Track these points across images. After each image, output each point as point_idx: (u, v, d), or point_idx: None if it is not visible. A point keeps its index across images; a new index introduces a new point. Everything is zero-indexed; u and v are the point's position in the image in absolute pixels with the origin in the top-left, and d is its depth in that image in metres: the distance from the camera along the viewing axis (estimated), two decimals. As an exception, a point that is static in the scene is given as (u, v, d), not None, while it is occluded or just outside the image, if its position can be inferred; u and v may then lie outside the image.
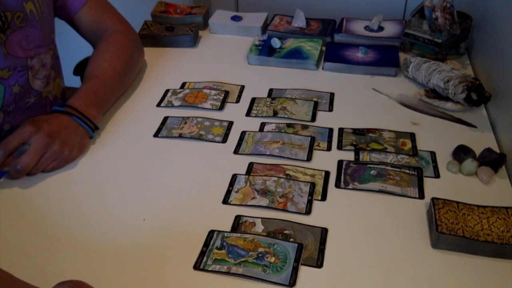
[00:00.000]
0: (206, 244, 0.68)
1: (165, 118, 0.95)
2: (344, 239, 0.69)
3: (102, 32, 1.02)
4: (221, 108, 0.98)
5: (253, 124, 0.93)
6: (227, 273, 0.63)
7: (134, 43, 1.06)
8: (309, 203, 0.74)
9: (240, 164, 0.83)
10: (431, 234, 0.68)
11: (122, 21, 1.06)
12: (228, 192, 0.77)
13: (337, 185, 0.78)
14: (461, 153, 0.82)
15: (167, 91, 1.03)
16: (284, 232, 0.70)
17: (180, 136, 0.90)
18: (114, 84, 0.96)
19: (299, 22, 1.24)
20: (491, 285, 0.62)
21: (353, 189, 0.77)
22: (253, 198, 0.75)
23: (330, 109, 0.98)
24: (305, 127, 0.91)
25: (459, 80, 0.93)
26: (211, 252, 0.66)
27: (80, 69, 1.20)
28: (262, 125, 0.92)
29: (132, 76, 1.05)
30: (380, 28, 1.21)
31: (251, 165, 0.83)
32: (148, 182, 0.80)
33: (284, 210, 0.73)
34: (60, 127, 0.82)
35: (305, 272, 0.64)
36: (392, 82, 1.06)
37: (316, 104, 0.97)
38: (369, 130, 0.90)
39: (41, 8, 0.89)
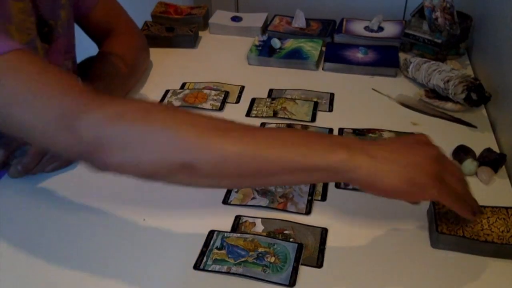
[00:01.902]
0: (206, 244, 0.68)
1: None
2: (344, 239, 0.69)
3: (109, 33, 1.03)
4: (221, 108, 0.98)
5: (253, 124, 0.93)
6: (227, 273, 0.63)
7: (140, 45, 1.06)
8: (309, 203, 0.74)
9: (240, 164, 0.83)
10: (431, 234, 0.68)
11: (129, 23, 1.07)
12: (228, 192, 0.77)
13: (337, 185, 0.78)
14: (461, 153, 0.82)
15: (167, 91, 1.03)
16: (284, 232, 0.70)
17: (180, 136, 0.90)
18: (118, 86, 0.96)
19: (299, 22, 1.24)
20: (491, 285, 0.62)
21: (353, 189, 0.77)
22: (253, 198, 0.75)
23: (330, 109, 0.98)
24: (305, 127, 0.91)
25: (459, 80, 0.93)
26: (211, 252, 0.66)
27: (80, 68, 1.20)
28: (262, 125, 0.92)
29: (136, 78, 1.05)
30: (380, 29, 1.21)
31: (251, 165, 0.82)
32: (148, 182, 0.79)
33: (284, 210, 0.73)
34: None
35: (305, 272, 0.64)
36: (392, 82, 1.06)
37: (316, 104, 0.97)
38: (369, 130, 0.90)
39: (69, 14, 0.91)
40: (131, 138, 0.56)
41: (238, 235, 0.69)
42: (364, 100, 1.00)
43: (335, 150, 0.56)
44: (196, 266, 0.65)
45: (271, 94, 1.03)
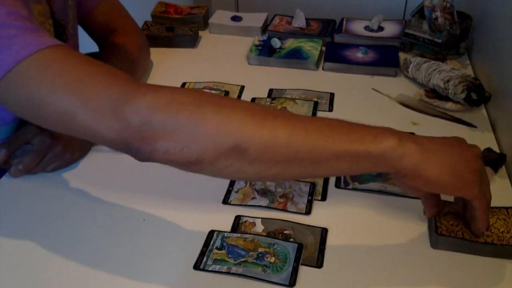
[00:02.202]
0: (206, 244, 0.68)
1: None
2: (344, 239, 0.69)
3: (110, 33, 1.03)
4: (221, 108, 0.97)
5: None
6: (227, 273, 0.64)
7: (141, 45, 1.06)
8: (309, 203, 0.74)
9: (240, 164, 0.83)
10: (431, 236, 0.68)
11: (131, 23, 1.07)
12: (228, 192, 0.77)
13: (337, 185, 0.78)
14: (461, 153, 0.82)
15: (167, 91, 1.03)
16: (284, 232, 0.70)
17: (180, 136, 0.90)
18: None
19: (299, 22, 1.24)
20: (491, 285, 0.62)
21: (353, 189, 0.77)
22: (253, 198, 0.76)
23: (330, 109, 0.98)
24: (305, 127, 0.91)
25: (459, 80, 0.93)
26: (211, 252, 0.66)
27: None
28: (262, 125, 0.92)
29: (138, 77, 1.05)
30: (380, 28, 1.21)
31: (251, 165, 0.82)
32: (148, 182, 0.80)
33: (284, 210, 0.73)
34: None
35: (305, 272, 0.64)
36: (392, 82, 1.06)
37: (316, 104, 0.97)
38: (369, 130, 0.90)
39: (75, 14, 0.92)
40: (180, 123, 0.56)
41: (238, 235, 0.69)
42: (364, 100, 1.00)
43: (385, 137, 0.56)
44: (196, 266, 0.65)
45: (271, 94, 1.03)
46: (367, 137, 0.57)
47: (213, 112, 0.56)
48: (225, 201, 0.75)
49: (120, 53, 0.99)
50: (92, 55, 1.02)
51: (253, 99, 1.00)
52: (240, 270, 0.64)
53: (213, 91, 1.01)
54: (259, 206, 0.74)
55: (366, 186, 0.77)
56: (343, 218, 0.72)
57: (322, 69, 1.11)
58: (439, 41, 1.08)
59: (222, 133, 0.56)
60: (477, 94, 0.91)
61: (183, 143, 0.56)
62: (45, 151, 0.79)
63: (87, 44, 1.06)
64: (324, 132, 0.57)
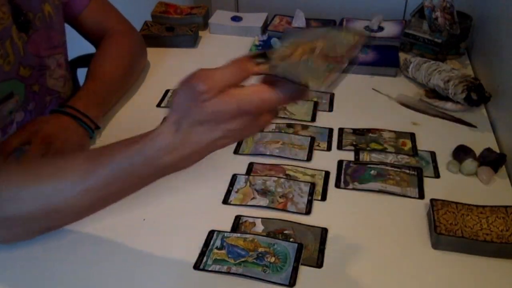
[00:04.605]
0: (206, 244, 0.68)
1: (165, 119, 0.94)
2: (344, 239, 0.69)
3: (104, 33, 1.03)
4: (221, 108, 0.97)
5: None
6: (227, 273, 0.64)
7: (136, 44, 1.06)
8: (309, 203, 0.74)
9: (240, 164, 0.83)
10: (431, 235, 0.68)
11: (124, 22, 1.07)
12: (228, 192, 0.77)
13: (337, 185, 0.78)
14: (461, 153, 0.82)
15: (167, 91, 1.03)
16: (284, 232, 0.70)
17: (180, 136, 0.90)
18: (116, 85, 0.96)
19: (299, 22, 1.24)
20: (492, 285, 0.62)
21: (353, 189, 0.77)
22: (253, 198, 0.76)
23: (330, 109, 0.98)
24: (305, 127, 0.92)
25: (459, 80, 0.93)
26: (211, 252, 0.66)
27: (74, 65, 1.20)
28: (262, 125, 0.92)
29: (134, 77, 1.05)
30: (380, 28, 1.21)
31: (251, 165, 0.83)
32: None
33: (284, 210, 0.73)
34: (60, 128, 0.82)
35: (305, 272, 0.64)
36: (392, 82, 1.06)
37: (316, 104, 0.97)
38: (369, 130, 0.90)
39: (57, 9, 0.91)
40: None
41: (238, 235, 0.69)
42: (364, 100, 1.00)
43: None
44: (196, 266, 0.65)
45: (271, 94, 1.02)
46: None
47: None
48: (225, 201, 0.75)
49: (116, 53, 0.99)
50: (90, 55, 1.03)
51: (253, 99, 1.00)
52: (240, 270, 0.64)
53: (213, 91, 1.01)
54: (259, 206, 0.74)
55: (366, 186, 0.77)
56: (343, 218, 0.72)
57: (322, 69, 1.11)
58: (439, 41, 1.08)
59: None
60: (477, 94, 0.91)
61: None
62: (42, 151, 0.79)
63: (87, 44, 1.06)
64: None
